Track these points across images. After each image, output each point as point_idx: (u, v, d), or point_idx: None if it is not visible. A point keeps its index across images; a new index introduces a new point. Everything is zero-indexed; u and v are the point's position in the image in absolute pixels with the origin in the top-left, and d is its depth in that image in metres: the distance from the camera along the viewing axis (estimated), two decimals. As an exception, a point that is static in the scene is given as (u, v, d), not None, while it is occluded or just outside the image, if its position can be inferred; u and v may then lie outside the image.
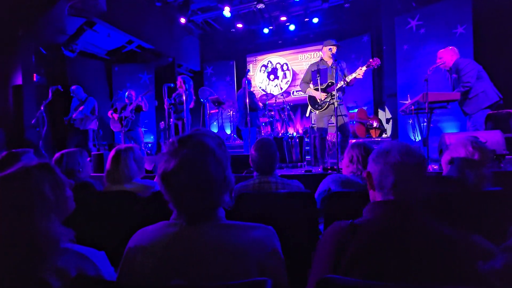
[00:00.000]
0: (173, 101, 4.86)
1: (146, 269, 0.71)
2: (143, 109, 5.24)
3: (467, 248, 0.77)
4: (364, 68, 3.46)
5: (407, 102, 4.20)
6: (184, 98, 4.66)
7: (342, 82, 3.55)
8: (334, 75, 3.48)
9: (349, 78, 3.54)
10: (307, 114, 5.83)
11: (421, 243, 0.76)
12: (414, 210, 0.82)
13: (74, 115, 5.04)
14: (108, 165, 1.86)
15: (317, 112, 3.78)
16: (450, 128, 4.57)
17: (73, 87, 5.18)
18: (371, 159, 0.93)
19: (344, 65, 3.72)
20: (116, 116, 5.17)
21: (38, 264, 0.73)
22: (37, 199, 0.78)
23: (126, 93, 5.32)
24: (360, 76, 3.50)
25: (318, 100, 3.71)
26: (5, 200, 0.76)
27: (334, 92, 3.43)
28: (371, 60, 3.38)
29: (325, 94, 3.65)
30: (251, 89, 4.96)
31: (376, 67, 3.39)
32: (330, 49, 3.65)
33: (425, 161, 0.88)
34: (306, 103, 4.00)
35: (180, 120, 4.97)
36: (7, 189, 0.77)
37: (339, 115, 3.36)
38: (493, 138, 2.77)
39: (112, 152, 1.89)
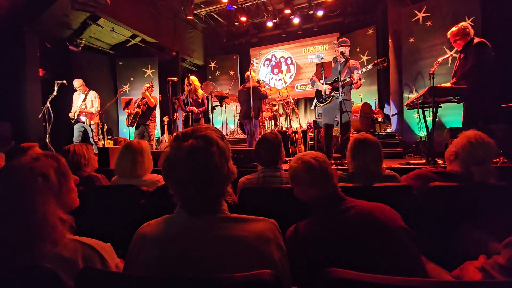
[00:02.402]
0: (185, 100, 4.89)
1: (151, 261, 0.73)
2: (149, 104, 5.23)
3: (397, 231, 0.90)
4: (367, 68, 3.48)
5: (412, 96, 4.15)
6: (200, 100, 4.87)
7: (347, 79, 3.55)
8: (345, 72, 3.56)
9: (354, 77, 3.52)
10: (312, 107, 5.82)
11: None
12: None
13: (79, 111, 5.06)
14: (117, 158, 1.88)
15: (321, 106, 3.81)
16: (456, 122, 4.51)
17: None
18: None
19: (356, 64, 3.72)
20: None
21: (37, 249, 0.76)
22: (40, 181, 0.82)
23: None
24: (355, 81, 3.53)
25: (323, 94, 3.73)
26: (11, 182, 0.81)
27: (339, 87, 3.44)
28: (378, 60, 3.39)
29: (330, 87, 3.66)
30: (256, 81, 4.94)
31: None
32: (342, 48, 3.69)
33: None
34: (310, 97, 4.01)
35: (188, 114, 4.99)
36: (14, 173, 0.82)
37: (344, 112, 3.39)
38: (499, 132, 2.73)
39: (122, 146, 1.91)
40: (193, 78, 4.99)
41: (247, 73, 4.80)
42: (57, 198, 0.85)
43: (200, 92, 5.00)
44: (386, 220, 0.90)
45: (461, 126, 3.24)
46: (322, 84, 3.69)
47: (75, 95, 5.21)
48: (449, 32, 3.24)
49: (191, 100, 4.84)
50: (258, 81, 5.15)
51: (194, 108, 4.85)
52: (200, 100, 4.96)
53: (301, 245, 0.94)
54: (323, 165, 1.05)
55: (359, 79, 3.55)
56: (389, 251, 0.86)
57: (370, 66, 3.45)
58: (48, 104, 4.51)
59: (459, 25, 3.18)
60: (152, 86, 5.29)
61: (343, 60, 3.65)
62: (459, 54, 3.27)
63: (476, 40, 3.06)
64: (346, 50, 3.66)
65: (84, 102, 5.11)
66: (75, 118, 5.06)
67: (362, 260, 0.86)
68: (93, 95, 5.20)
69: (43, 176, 0.83)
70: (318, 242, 0.92)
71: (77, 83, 5.17)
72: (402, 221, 0.92)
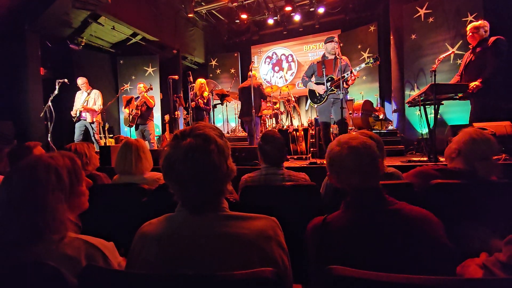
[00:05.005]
0: (194, 101, 5.00)
1: (152, 259, 0.74)
2: (148, 105, 5.26)
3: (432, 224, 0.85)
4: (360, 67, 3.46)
5: (414, 93, 4.13)
6: (205, 100, 5.04)
7: (346, 76, 3.51)
8: (336, 70, 3.52)
9: (348, 77, 3.48)
10: (306, 108, 5.81)
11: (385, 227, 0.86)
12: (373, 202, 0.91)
13: (82, 110, 5.09)
14: (117, 157, 1.89)
15: (315, 105, 3.80)
16: (457, 120, 4.50)
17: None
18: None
19: (346, 61, 3.68)
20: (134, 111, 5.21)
21: (42, 245, 0.78)
22: (54, 179, 0.84)
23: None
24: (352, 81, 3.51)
25: (317, 94, 3.72)
26: (26, 176, 0.83)
27: (340, 85, 3.42)
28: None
29: (325, 87, 3.64)
30: (257, 79, 4.98)
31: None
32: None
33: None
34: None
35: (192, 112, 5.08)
36: (31, 168, 0.84)
37: (341, 108, 3.36)
38: (502, 129, 2.72)
39: (122, 145, 1.92)
40: (202, 81, 5.12)
41: (251, 72, 4.78)
42: (67, 198, 0.87)
43: (206, 94, 5.15)
44: (431, 234, 0.83)
45: (468, 123, 3.24)
46: (316, 83, 3.69)
47: (78, 93, 5.23)
48: (471, 24, 3.33)
49: (199, 100, 4.99)
50: (260, 84, 5.15)
51: (201, 101, 5.01)
52: (205, 100, 5.13)
53: (329, 238, 0.87)
54: (372, 155, 0.93)
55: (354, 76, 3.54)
56: (424, 267, 0.81)
57: (363, 65, 3.43)
58: (50, 103, 4.51)
59: (481, 21, 3.28)
60: (151, 88, 5.32)
61: (332, 57, 3.61)
62: (471, 49, 3.32)
63: (493, 37, 3.14)
64: (333, 46, 3.59)
65: (87, 100, 5.13)
66: (77, 115, 5.08)
67: (390, 268, 0.79)
68: (96, 94, 5.22)
69: (57, 174, 0.85)
70: (350, 239, 0.86)
71: (80, 81, 5.19)
72: (445, 236, 0.85)
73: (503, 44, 3.09)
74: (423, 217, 0.86)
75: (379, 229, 0.85)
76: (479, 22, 3.28)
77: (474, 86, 3.04)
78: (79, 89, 5.26)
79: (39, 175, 0.83)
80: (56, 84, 4.59)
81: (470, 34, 3.31)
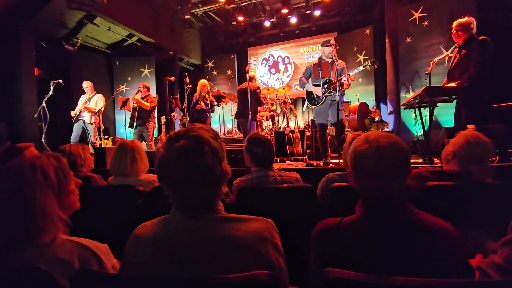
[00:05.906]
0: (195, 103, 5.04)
1: (147, 262, 0.73)
2: (143, 107, 5.23)
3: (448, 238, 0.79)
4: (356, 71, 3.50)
5: (409, 95, 4.17)
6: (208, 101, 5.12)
7: (344, 79, 3.54)
8: (333, 72, 3.54)
9: (345, 80, 3.52)
10: (304, 109, 5.82)
11: (403, 237, 0.80)
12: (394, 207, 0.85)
13: (82, 109, 5.10)
14: (112, 158, 1.88)
15: (313, 107, 3.82)
16: (452, 122, 4.52)
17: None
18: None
19: (342, 65, 3.71)
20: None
21: (35, 241, 0.77)
22: (40, 177, 0.84)
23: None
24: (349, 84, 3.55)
25: (315, 96, 3.73)
26: (13, 177, 0.83)
27: (336, 87, 3.44)
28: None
29: (323, 89, 3.66)
30: (255, 82, 5.01)
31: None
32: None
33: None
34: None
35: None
36: (16, 169, 0.84)
37: (337, 110, 3.39)
38: (497, 132, 2.75)
39: (117, 146, 1.91)
40: (205, 82, 5.15)
41: (247, 74, 4.78)
42: (56, 196, 0.86)
43: (210, 94, 5.25)
44: (450, 249, 0.78)
45: (458, 125, 3.26)
46: (314, 85, 3.72)
47: (82, 97, 5.30)
48: (456, 21, 3.19)
49: (201, 102, 5.02)
50: (258, 87, 5.16)
51: (203, 104, 5.07)
52: (208, 102, 5.19)
53: (342, 242, 0.82)
54: (400, 157, 0.84)
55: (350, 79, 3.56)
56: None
57: (361, 68, 3.47)
58: (44, 104, 4.47)
59: (467, 18, 3.16)
60: (139, 90, 5.31)
61: (329, 60, 3.64)
62: (457, 49, 3.27)
63: (480, 37, 3.07)
64: (330, 50, 3.62)
65: (88, 101, 5.17)
66: (77, 114, 5.10)
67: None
68: (99, 97, 5.29)
69: (43, 172, 0.85)
70: (364, 246, 0.81)
71: (85, 84, 5.30)
72: (463, 251, 0.81)
73: (487, 46, 3.00)
74: (443, 230, 0.80)
75: (396, 239, 0.80)
76: (465, 19, 3.15)
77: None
78: (82, 92, 5.34)
79: (25, 174, 0.82)
80: (51, 84, 4.56)
81: (454, 32, 3.20)
